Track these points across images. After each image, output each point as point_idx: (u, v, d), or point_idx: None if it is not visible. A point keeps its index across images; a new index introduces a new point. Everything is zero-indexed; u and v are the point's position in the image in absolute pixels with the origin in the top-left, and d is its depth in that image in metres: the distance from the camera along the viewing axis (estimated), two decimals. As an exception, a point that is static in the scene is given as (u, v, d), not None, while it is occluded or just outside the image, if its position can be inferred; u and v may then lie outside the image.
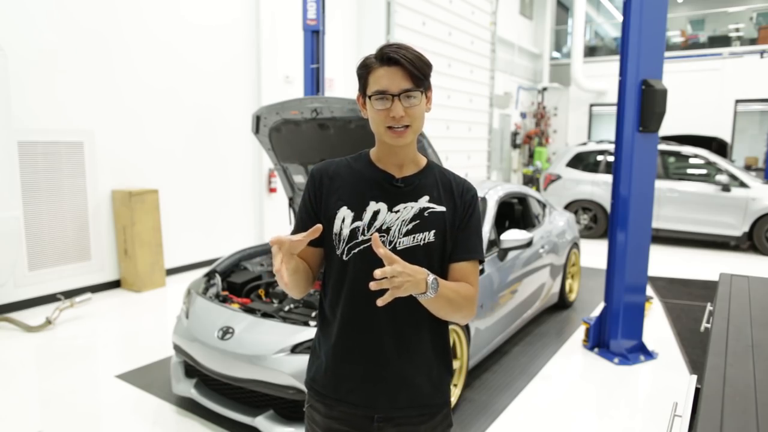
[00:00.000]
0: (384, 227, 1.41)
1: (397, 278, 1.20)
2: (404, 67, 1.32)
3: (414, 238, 1.41)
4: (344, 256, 1.42)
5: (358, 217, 1.41)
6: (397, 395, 1.46)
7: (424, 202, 1.44)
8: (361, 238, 1.41)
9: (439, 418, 1.53)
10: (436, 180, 1.48)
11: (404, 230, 1.41)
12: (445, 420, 1.56)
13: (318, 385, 1.51)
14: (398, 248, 1.40)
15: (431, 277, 1.29)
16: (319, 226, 1.27)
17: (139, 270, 5.83)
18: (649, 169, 4.09)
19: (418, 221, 1.42)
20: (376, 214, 1.42)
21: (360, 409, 1.46)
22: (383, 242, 1.39)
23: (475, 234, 1.50)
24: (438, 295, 1.30)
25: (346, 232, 1.41)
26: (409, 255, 1.37)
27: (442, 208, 1.45)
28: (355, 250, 1.41)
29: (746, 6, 14.75)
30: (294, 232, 1.48)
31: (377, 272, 1.19)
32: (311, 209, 1.47)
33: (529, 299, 4.46)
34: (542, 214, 5.20)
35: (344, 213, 1.42)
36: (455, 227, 1.46)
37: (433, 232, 1.43)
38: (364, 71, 1.37)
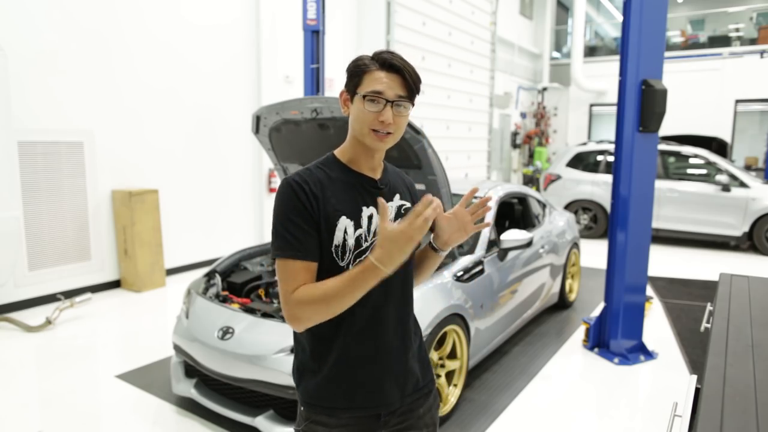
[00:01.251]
0: (376, 230, 1.43)
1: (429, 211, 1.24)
2: (404, 77, 1.35)
3: None
4: (350, 266, 1.39)
5: (357, 224, 1.41)
6: (405, 385, 1.50)
7: (398, 200, 1.50)
8: (365, 245, 1.41)
9: (431, 398, 1.60)
10: (396, 178, 1.56)
11: None
12: (435, 400, 1.63)
13: (327, 401, 1.44)
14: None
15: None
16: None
17: (139, 270, 5.83)
18: (649, 169, 4.09)
19: (399, 219, 1.49)
20: (370, 218, 1.43)
21: (376, 409, 1.46)
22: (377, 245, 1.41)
23: None
24: None
25: (351, 242, 1.39)
26: None
27: (409, 204, 1.54)
28: (360, 258, 1.40)
29: (746, 6, 14.75)
30: (295, 251, 1.34)
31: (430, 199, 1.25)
32: (308, 224, 1.34)
33: (529, 299, 4.46)
34: (542, 214, 5.20)
35: (345, 223, 1.38)
36: None
37: None
38: (359, 70, 1.37)
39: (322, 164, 1.44)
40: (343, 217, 1.38)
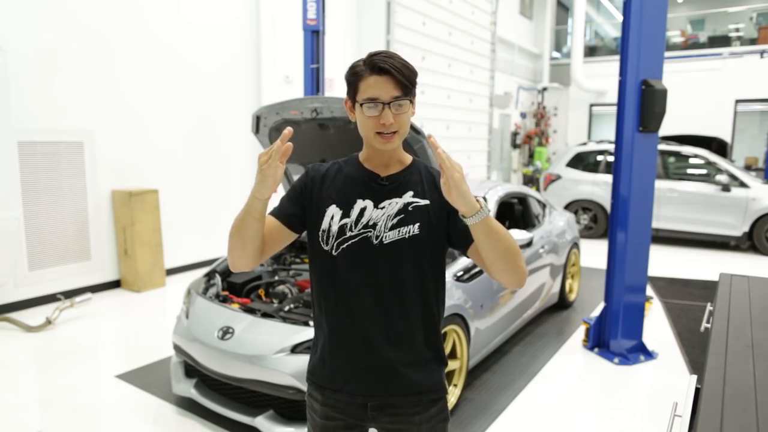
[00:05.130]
0: (370, 223, 1.47)
1: (458, 172, 1.26)
2: (393, 77, 1.37)
3: (399, 231, 1.47)
4: (333, 251, 1.48)
5: (346, 214, 1.48)
6: (390, 383, 1.50)
7: (408, 197, 1.50)
8: (349, 234, 1.47)
9: (435, 410, 1.56)
10: (421, 176, 1.54)
11: (389, 225, 1.47)
12: (441, 413, 1.58)
13: (317, 378, 1.58)
14: (385, 242, 1.46)
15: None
16: (290, 129, 1.32)
17: (139, 270, 5.83)
18: (649, 169, 4.09)
19: (402, 215, 1.48)
20: (362, 210, 1.48)
21: (357, 398, 1.52)
22: (368, 237, 1.46)
23: None
24: (490, 221, 1.33)
25: (335, 228, 1.48)
26: (396, 248, 1.46)
27: (426, 202, 1.50)
28: (344, 246, 1.47)
29: (746, 6, 14.75)
30: (274, 213, 1.53)
31: (437, 144, 1.26)
32: (296, 198, 1.53)
33: (529, 299, 4.46)
34: (542, 214, 5.20)
35: (333, 210, 1.49)
36: (445, 217, 1.49)
37: (417, 225, 1.47)
38: (354, 78, 1.41)
39: (344, 160, 1.58)
40: (333, 205, 1.49)
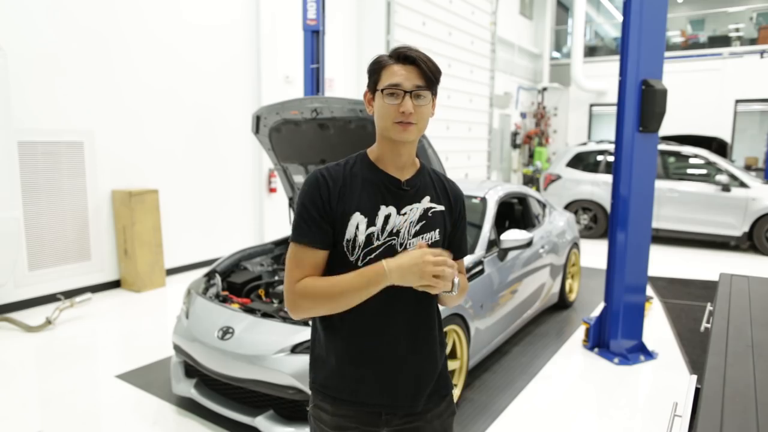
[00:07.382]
0: (395, 230, 1.43)
1: (448, 270, 1.31)
2: (419, 67, 1.37)
3: (422, 238, 1.45)
4: (359, 262, 1.41)
5: (371, 222, 1.41)
6: (412, 390, 1.49)
7: (426, 202, 1.48)
8: (376, 243, 1.41)
9: (444, 405, 1.57)
10: (432, 180, 1.53)
11: (413, 231, 1.44)
12: (449, 407, 1.59)
13: (332, 390, 1.49)
14: (409, 249, 1.43)
15: (456, 278, 1.37)
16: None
17: (139, 270, 5.83)
18: (649, 169, 4.09)
19: (424, 222, 1.46)
20: (387, 218, 1.43)
21: (380, 408, 1.48)
22: (393, 245, 1.42)
23: (464, 234, 1.59)
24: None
25: (361, 238, 1.40)
26: None
27: (442, 207, 1.50)
28: (371, 256, 1.41)
29: (746, 6, 14.75)
30: (306, 238, 1.40)
31: (441, 259, 1.31)
32: (321, 217, 1.39)
33: (529, 299, 4.46)
34: (542, 214, 5.20)
35: (358, 219, 1.41)
36: (451, 223, 1.54)
37: (437, 231, 1.48)
38: (378, 67, 1.40)
39: (352, 161, 1.48)
40: (357, 213, 1.41)
